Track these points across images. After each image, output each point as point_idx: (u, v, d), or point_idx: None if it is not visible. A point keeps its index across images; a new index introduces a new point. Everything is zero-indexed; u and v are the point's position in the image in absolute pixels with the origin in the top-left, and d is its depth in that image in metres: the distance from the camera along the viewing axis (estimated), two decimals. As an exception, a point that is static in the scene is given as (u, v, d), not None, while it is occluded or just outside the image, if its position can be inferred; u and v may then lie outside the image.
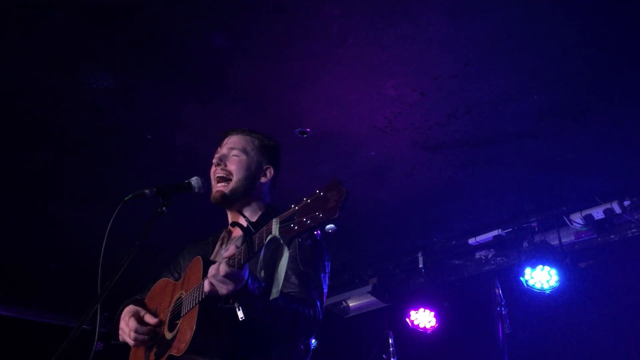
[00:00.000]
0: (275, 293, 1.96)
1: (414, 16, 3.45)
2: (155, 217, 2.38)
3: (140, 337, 2.46)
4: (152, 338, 2.48)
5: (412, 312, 6.20)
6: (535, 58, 3.77)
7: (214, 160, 2.69)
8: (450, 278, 6.44)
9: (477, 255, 6.28)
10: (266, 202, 2.76)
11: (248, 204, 2.70)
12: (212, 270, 2.04)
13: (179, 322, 2.33)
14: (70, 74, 3.92)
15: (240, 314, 2.05)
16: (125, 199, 2.39)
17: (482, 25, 3.52)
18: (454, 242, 6.27)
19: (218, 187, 2.65)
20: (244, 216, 2.15)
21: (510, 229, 5.80)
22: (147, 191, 2.40)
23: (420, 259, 6.47)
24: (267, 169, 2.75)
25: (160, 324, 2.50)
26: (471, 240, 6.06)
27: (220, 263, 2.03)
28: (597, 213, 5.31)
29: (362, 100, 4.21)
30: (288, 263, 2.33)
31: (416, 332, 6.16)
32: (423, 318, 6.16)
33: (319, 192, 1.82)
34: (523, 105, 4.19)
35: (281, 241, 1.89)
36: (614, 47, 3.67)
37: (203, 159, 4.80)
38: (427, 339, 6.16)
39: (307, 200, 1.85)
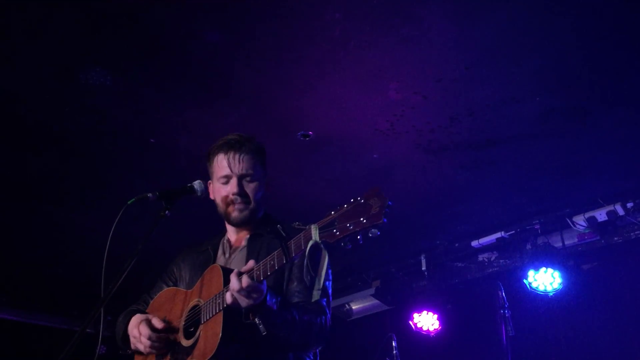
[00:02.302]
0: (316, 295, 2.12)
1: (415, 19, 3.46)
2: (158, 220, 2.39)
3: (155, 344, 2.47)
4: (166, 346, 2.49)
5: (415, 315, 6.20)
6: (537, 60, 3.77)
7: (236, 191, 2.58)
8: (454, 281, 6.44)
9: (480, 257, 6.27)
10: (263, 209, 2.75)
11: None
12: (234, 283, 2.10)
13: (200, 328, 2.34)
14: (73, 78, 3.93)
15: (262, 328, 2.14)
16: (129, 202, 2.40)
17: (484, 28, 3.53)
18: (457, 245, 6.26)
19: (240, 213, 2.61)
20: (278, 227, 2.27)
21: (513, 232, 5.80)
22: (150, 195, 2.41)
23: (423, 262, 6.46)
24: (267, 178, 2.73)
25: (174, 331, 2.50)
26: (474, 243, 6.05)
27: (243, 276, 2.10)
28: (600, 215, 5.31)
29: (365, 103, 4.21)
30: (295, 273, 2.43)
31: (419, 335, 6.16)
32: (426, 321, 6.16)
33: (359, 199, 1.90)
34: (525, 107, 4.19)
35: (321, 246, 1.97)
36: (616, 49, 3.67)
37: (206, 162, 4.83)
38: (430, 342, 6.15)
39: (346, 207, 1.92)
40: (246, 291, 2.09)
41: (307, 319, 2.31)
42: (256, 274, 2.12)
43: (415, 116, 4.32)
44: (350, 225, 1.87)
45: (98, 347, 2.41)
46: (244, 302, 2.11)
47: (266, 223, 2.63)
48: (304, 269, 2.22)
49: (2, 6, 3.36)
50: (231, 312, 2.19)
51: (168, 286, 2.80)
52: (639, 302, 5.13)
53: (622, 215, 5.25)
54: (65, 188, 5.23)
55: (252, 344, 2.23)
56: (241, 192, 2.58)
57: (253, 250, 2.57)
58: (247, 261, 2.28)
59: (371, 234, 1.88)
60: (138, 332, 2.52)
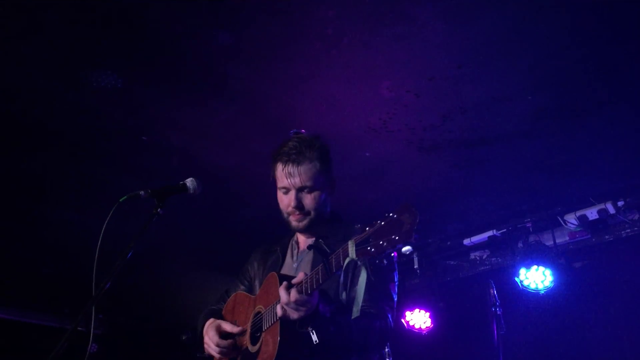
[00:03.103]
0: (355, 312, 2.09)
1: (408, 18, 3.46)
2: (150, 218, 2.38)
3: (224, 350, 2.56)
4: (234, 350, 2.58)
5: (408, 313, 6.21)
6: (529, 59, 3.78)
7: (293, 205, 2.58)
8: (446, 279, 6.46)
9: (472, 255, 6.30)
10: (328, 210, 2.73)
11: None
12: (283, 296, 2.15)
13: (262, 335, 2.41)
14: (66, 76, 3.91)
15: (314, 337, 2.18)
16: (120, 200, 2.39)
17: (476, 26, 3.53)
18: (448, 243, 6.28)
19: (299, 223, 2.63)
20: (317, 238, 2.26)
21: (504, 230, 5.82)
22: (142, 192, 2.40)
23: (416, 260, 6.47)
24: (333, 181, 2.71)
25: (242, 335, 2.58)
26: (466, 241, 6.07)
27: (292, 290, 2.15)
28: (591, 213, 5.33)
29: (357, 101, 4.21)
30: (356, 276, 2.41)
31: (411, 333, 6.17)
32: (418, 319, 6.17)
33: (393, 215, 1.91)
34: (517, 106, 4.20)
35: (359, 263, 2.02)
36: (608, 48, 3.69)
37: (198, 160, 4.83)
38: (423, 340, 6.17)
39: (381, 222, 1.93)
40: (295, 304, 2.14)
41: (364, 324, 2.34)
42: (304, 287, 2.15)
43: (408, 114, 4.33)
44: (383, 243, 1.89)
45: (89, 346, 2.40)
46: (294, 314, 2.17)
47: (335, 223, 2.67)
48: (340, 286, 2.34)
49: (-5, 3, 3.34)
50: (287, 322, 2.23)
51: (244, 285, 2.87)
52: (629, 300, 5.17)
53: (613, 214, 5.29)
54: (57, 186, 5.21)
55: (310, 351, 2.27)
56: (299, 205, 2.58)
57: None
58: (313, 264, 2.34)
59: (406, 251, 1.89)
60: (209, 338, 2.61)
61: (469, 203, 5.59)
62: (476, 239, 5.99)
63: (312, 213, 2.60)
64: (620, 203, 5.26)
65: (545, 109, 4.23)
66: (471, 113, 4.29)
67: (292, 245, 2.77)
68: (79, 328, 2.09)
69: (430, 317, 6.15)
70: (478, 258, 6.26)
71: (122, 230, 2.88)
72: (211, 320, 2.69)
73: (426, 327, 6.14)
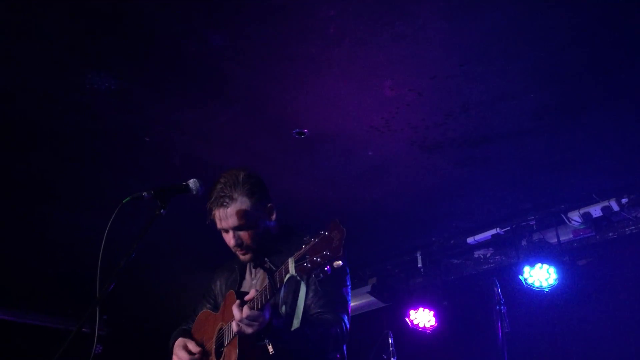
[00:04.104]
0: (296, 324, 2.31)
1: (410, 16, 3.45)
2: (153, 219, 2.38)
3: None
4: None
5: (412, 312, 6.21)
6: (531, 57, 3.77)
7: (232, 244, 2.71)
8: (449, 277, 6.45)
9: (476, 254, 6.29)
10: (279, 226, 2.83)
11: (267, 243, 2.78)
12: (236, 314, 2.30)
13: (224, 350, 2.57)
14: (66, 77, 3.91)
15: (270, 349, 2.32)
16: (123, 201, 2.39)
17: (478, 24, 3.53)
18: (452, 242, 6.27)
19: (243, 257, 2.77)
20: (265, 259, 2.46)
21: (508, 228, 5.81)
22: (145, 194, 2.40)
23: (419, 259, 6.47)
24: (269, 208, 2.77)
25: (208, 353, 2.73)
26: (470, 239, 6.06)
27: (244, 307, 2.30)
28: (595, 211, 5.32)
29: (359, 101, 4.21)
30: (307, 290, 2.59)
31: (416, 332, 6.17)
32: (422, 317, 6.17)
33: (325, 232, 2.10)
34: (519, 104, 4.19)
35: (298, 278, 2.18)
36: (610, 45, 3.68)
37: (201, 161, 4.83)
38: (427, 339, 6.16)
39: (315, 240, 2.11)
40: (248, 320, 2.28)
41: (321, 331, 2.50)
42: (255, 303, 2.30)
43: (410, 113, 4.32)
44: (317, 259, 2.06)
45: (94, 347, 2.40)
46: (248, 329, 2.31)
47: (286, 235, 2.79)
48: (280, 300, 2.53)
49: (-5, 5, 3.34)
50: (244, 336, 2.37)
51: (209, 304, 3.02)
52: (634, 298, 5.15)
53: (616, 211, 5.27)
54: (59, 187, 5.21)
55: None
56: (238, 243, 2.71)
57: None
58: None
59: (336, 265, 2.07)
60: (177, 358, 2.78)
61: (472, 201, 5.58)
62: (480, 237, 5.98)
63: (254, 245, 2.72)
64: (624, 200, 5.24)
65: (547, 106, 4.23)
66: (473, 111, 4.28)
67: (250, 263, 2.89)
68: (83, 329, 2.10)
69: (434, 315, 6.14)
70: (482, 256, 6.25)
71: (125, 231, 2.88)
72: (179, 339, 2.85)
73: (430, 326, 6.13)
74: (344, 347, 2.71)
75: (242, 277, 2.89)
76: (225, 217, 2.67)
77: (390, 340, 5.28)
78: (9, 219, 5.66)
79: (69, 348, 2.09)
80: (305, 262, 2.09)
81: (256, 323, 2.29)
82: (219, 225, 2.72)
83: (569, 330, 5.40)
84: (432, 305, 6.17)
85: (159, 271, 6.65)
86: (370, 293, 6.71)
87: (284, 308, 2.51)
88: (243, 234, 2.69)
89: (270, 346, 2.32)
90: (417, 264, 6.48)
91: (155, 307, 7.78)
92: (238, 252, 2.74)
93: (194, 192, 2.56)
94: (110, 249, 2.35)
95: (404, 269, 6.70)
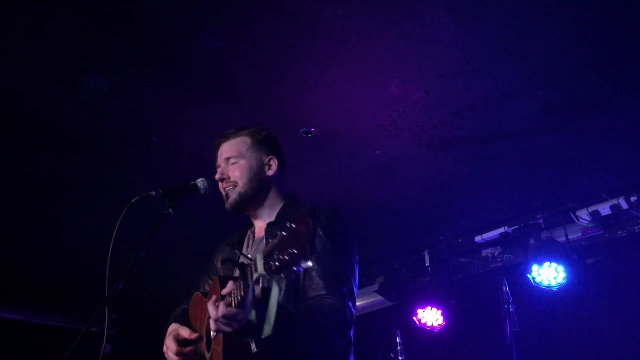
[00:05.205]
0: (267, 331, 1.91)
1: (416, 14, 3.45)
2: (161, 218, 2.39)
3: (182, 357, 2.44)
4: (194, 356, 2.47)
5: (419, 311, 6.20)
6: (539, 54, 3.76)
7: (217, 177, 2.65)
8: (457, 276, 6.43)
9: (484, 252, 6.26)
10: (282, 191, 2.72)
11: (263, 202, 2.67)
12: (211, 311, 2.00)
13: (212, 342, 2.31)
14: (75, 78, 3.93)
15: (252, 347, 2.05)
16: (132, 201, 2.40)
17: (485, 22, 3.52)
18: (460, 240, 6.26)
19: (227, 198, 2.63)
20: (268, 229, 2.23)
21: (516, 226, 5.78)
22: (153, 193, 2.41)
23: (427, 257, 6.46)
24: (269, 160, 2.71)
25: (200, 340, 2.47)
26: (477, 238, 6.04)
27: (220, 304, 1.99)
28: (604, 209, 5.29)
29: (366, 99, 4.20)
30: (312, 264, 2.27)
31: (423, 331, 6.16)
32: (430, 316, 6.16)
33: (292, 225, 1.76)
34: (527, 102, 4.18)
35: (267, 277, 1.84)
36: (618, 42, 3.66)
37: (208, 160, 4.83)
38: (435, 338, 6.15)
39: (283, 233, 1.77)
40: (225, 319, 1.98)
41: (317, 319, 2.22)
42: (233, 299, 2.00)
43: (417, 112, 4.31)
44: (285, 256, 1.74)
45: (103, 346, 2.41)
46: (227, 328, 2.01)
47: (289, 205, 2.63)
48: (249, 304, 2.07)
49: (2, 5, 3.36)
50: (226, 334, 2.11)
51: (211, 279, 2.75)
52: (643, 296, 5.13)
53: (625, 209, 5.23)
54: (68, 188, 5.24)
55: (262, 357, 2.14)
56: (222, 175, 2.62)
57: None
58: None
59: (305, 265, 1.75)
60: (166, 347, 2.50)
61: (480, 200, 5.56)
62: (487, 235, 5.96)
63: (239, 183, 2.59)
64: (633, 198, 5.21)
65: (555, 104, 4.21)
66: (481, 109, 4.27)
67: (248, 235, 2.74)
68: (92, 329, 2.11)
69: (442, 314, 6.13)
70: (490, 255, 6.23)
71: (134, 231, 2.89)
72: (172, 326, 2.58)
73: (438, 325, 6.13)
74: (351, 333, 2.44)
75: (240, 252, 2.66)
76: (222, 149, 2.67)
77: (397, 339, 5.27)
78: (18, 219, 5.69)
79: (78, 347, 2.09)
80: (273, 261, 1.77)
81: (234, 322, 1.98)
82: (217, 162, 2.68)
83: (578, 329, 5.38)
84: (440, 304, 6.16)
85: (167, 271, 6.67)
86: (378, 292, 6.70)
87: (253, 314, 2.01)
88: (231, 167, 2.63)
89: (253, 344, 2.05)
90: (425, 263, 6.46)
91: (164, 307, 7.79)
92: (223, 192, 2.62)
93: (202, 191, 2.56)
94: (119, 248, 2.36)
95: (411, 268, 6.69)
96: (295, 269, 1.75)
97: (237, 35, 3.62)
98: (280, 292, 2.02)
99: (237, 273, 2.46)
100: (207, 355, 2.36)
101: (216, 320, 2.00)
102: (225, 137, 2.72)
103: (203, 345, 2.42)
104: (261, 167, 2.67)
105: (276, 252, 1.77)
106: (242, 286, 1.98)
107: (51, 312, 7.83)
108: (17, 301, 7.53)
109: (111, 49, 3.72)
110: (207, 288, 2.74)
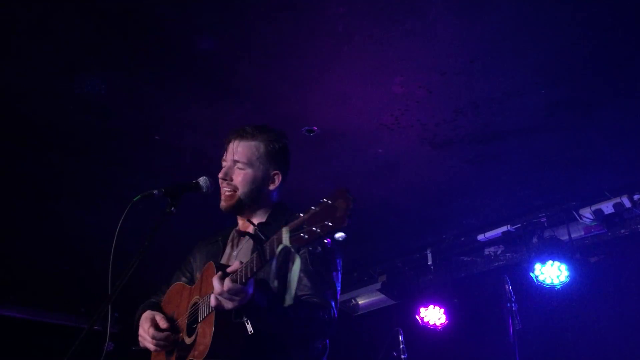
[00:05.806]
0: (288, 300, 2.05)
1: (419, 13, 3.44)
2: (164, 217, 2.39)
3: (161, 342, 2.49)
4: (172, 343, 2.52)
5: (422, 309, 6.20)
6: (542, 53, 3.75)
7: (220, 175, 2.64)
8: (460, 275, 6.43)
9: (486, 251, 6.26)
10: (274, 202, 2.73)
11: (257, 209, 2.68)
12: (216, 286, 2.08)
13: (198, 326, 2.35)
14: (77, 76, 3.94)
15: (249, 328, 2.11)
16: (134, 199, 2.40)
17: (488, 21, 3.51)
18: (462, 239, 6.25)
19: (224, 199, 2.64)
20: (253, 224, 2.18)
21: (519, 225, 5.78)
22: (155, 191, 2.40)
23: (429, 256, 6.46)
24: (274, 175, 2.69)
25: (178, 329, 2.51)
26: (480, 237, 6.04)
27: (225, 279, 2.07)
28: (607, 207, 5.28)
29: (369, 98, 4.20)
30: (300, 265, 2.35)
31: (426, 329, 6.16)
32: (433, 315, 6.16)
33: (327, 201, 1.81)
34: (530, 100, 4.17)
35: (292, 249, 1.95)
36: (621, 40, 3.65)
37: (211, 158, 4.82)
38: (437, 336, 6.15)
39: (315, 208, 1.83)
40: (229, 294, 2.06)
41: (306, 314, 2.30)
42: (239, 276, 2.08)
43: (420, 110, 4.31)
44: (317, 229, 1.80)
45: (106, 344, 2.41)
46: (228, 304, 2.09)
47: (279, 212, 2.64)
48: (272, 274, 2.26)
49: (5, 4, 3.37)
50: (222, 312, 2.16)
51: (186, 277, 2.82)
52: (646, 295, 5.12)
53: (628, 208, 5.23)
54: (71, 186, 5.25)
55: (245, 341, 2.22)
56: (226, 176, 2.61)
57: None
58: (252, 252, 2.22)
59: (339, 237, 1.84)
60: (143, 330, 2.55)
61: (483, 198, 5.56)
62: (490, 234, 5.95)
63: (240, 190, 2.60)
64: (636, 197, 5.20)
65: (558, 103, 4.20)
66: (483, 108, 4.26)
67: (233, 234, 2.75)
68: (95, 327, 2.11)
69: (444, 313, 6.13)
70: (492, 254, 6.22)
71: (136, 229, 2.89)
72: (147, 312, 2.63)
73: (441, 324, 6.13)
74: (327, 340, 2.54)
75: (224, 249, 2.71)
76: (234, 148, 2.64)
77: (400, 338, 5.27)
78: (21, 217, 5.71)
79: (81, 345, 2.10)
80: (302, 233, 1.83)
81: (237, 298, 2.06)
82: (225, 156, 2.67)
83: (581, 327, 5.37)
84: (443, 302, 6.16)
85: (170, 269, 6.68)
86: (381, 290, 6.71)
87: (276, 282, 2.24)
88: (237, 171, 2.62)
89: (249, 325, 2.12)
90: (428, 262, 6.47)
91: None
92: (222, 192, 2.62)
93: (205, 190, 2.56)
94: (121, 247, 2.36)
95: (414, 267, 6.69)
96: (327, 242, 1.82)
97: (239, 33, 3.61)
98: (302, 263, 2.15)
99: (224, 260, 2.59)
100: (189, 339, 2.40)
101: (220, 294, 2.07)
102: (241, 136, 2.66)
103: (183, 332, 2.47)
104: (265, 180, 2.66)
105: (306, 225, 1.83)
106: (248, 266, 2.05)
107: (54, 310, 7.85)
108: (21, 300, 7.55)
109: (114, 48, 3.72)
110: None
